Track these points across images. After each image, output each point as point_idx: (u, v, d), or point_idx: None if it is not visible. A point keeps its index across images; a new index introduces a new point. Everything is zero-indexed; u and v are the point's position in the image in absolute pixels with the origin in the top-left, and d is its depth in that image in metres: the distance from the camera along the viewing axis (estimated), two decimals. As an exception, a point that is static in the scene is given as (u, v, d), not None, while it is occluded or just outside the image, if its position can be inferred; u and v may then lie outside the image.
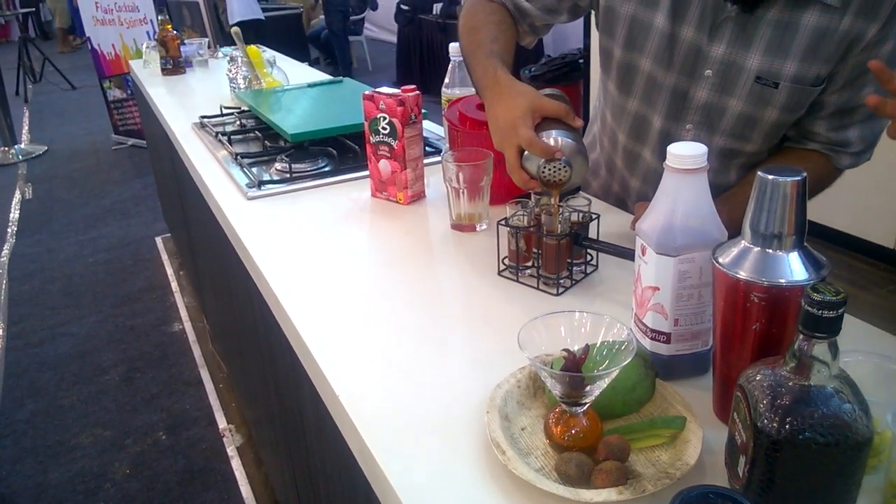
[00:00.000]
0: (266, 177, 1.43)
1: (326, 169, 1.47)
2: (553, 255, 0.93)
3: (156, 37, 2.66)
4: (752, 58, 0.98)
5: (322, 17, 7.65)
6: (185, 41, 2.81)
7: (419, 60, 6.67)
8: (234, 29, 2.06)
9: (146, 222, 3.93)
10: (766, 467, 0.52)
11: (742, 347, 0.63)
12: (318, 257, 1.09)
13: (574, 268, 0.96)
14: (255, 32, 5.05)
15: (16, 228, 4.01)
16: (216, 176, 1.49)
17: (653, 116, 1.10)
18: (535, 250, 0.96)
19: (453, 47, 1.33)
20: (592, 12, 1.15)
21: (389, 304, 0.94)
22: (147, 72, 2.77)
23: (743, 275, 0.61)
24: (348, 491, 0.91)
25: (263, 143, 1.64)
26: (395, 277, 1.02)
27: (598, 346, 0.66)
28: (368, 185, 1.32)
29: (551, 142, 0.92)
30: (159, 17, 2.80)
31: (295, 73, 2.41)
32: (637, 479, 0.59)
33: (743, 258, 0.62)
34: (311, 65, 4.49)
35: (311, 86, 2.02)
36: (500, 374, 0.73)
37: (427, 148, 1.44)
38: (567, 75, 4.44)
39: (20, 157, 5.31)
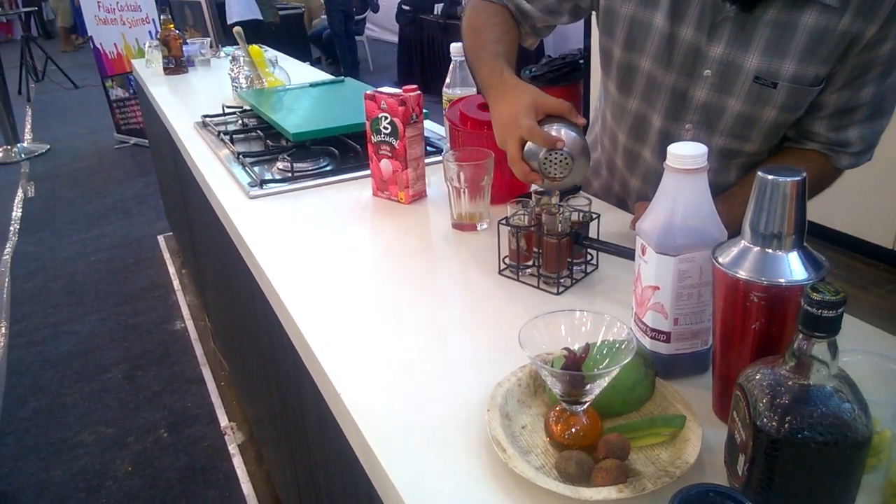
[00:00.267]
0: (268, 176, 1.44)
1: (328, 168, 1.47)
2: (553, 254, 0.93)
3: (158, 36, 2.67)
4: (751, 58, 0.98)
5: (323, 17, 7.66)
6: (188, 40, 2.81)
7: (420, 60, 6.67)
8: (237, 29, 2.07)
9: (148, 221, 3.94)
10: (765, 466, 0.52)
11: (742, 347, 0.64)
12: (319, 256, 1.10)
13: (574, 267, 0.96)
14: (254, 32, 5.06)
15: (18, 227, 4.02)
16: (218, 175, 1.49)
17: (652, 116, 1.11)
18: (535, 249, 0.96)
19: (454, 47, 1.34)
20: (594, 13, 1.15)
21: (391, 302, 0.95)
22: (149, 71, 2.77)
23: (742, 274, 0.61)
24: (349, 488, 0.92)
25: (265, 143, 1.64)
26: (397, 276, 1.02)
27: (598, 344, 0.67)
28: (370, 185, 1.32)
29: (553, 133, 0.93)
30: (161, 17, 2.80)
31: (297, 72, 2.41)
32: (637, 478, 0.60)
33: (743, 258, 0.62)
34: (312, 64, 4.49)
35: (312, 85, 2.03)
36: (501, 372, 0.74)
37: (428, 147, 1.44)
38: (567, 76, 4.44)
39: (23, 155, 5.32)
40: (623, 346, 0.65)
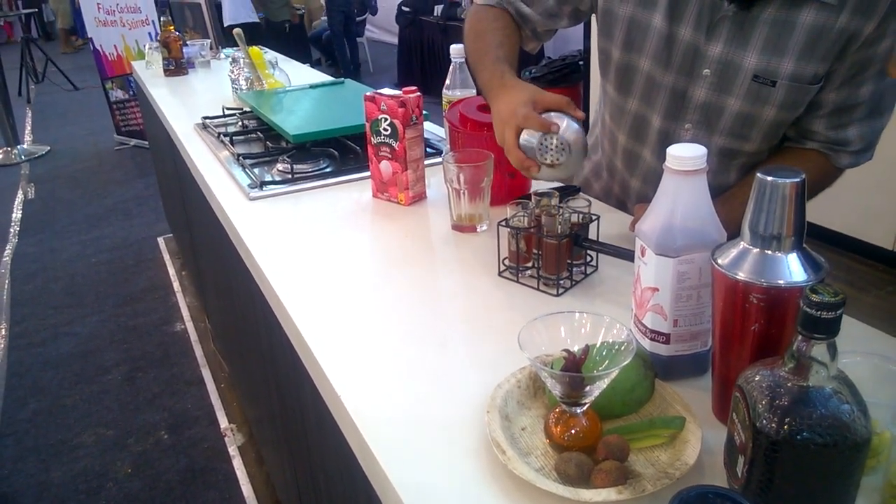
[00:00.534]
0: (268, 177, 1.44)
1: (328, 170, 1.47)
2: (553, 255, 0.93)
3: (158, 38, 2.67)
4: (750, 56, 0.98)
5: (324, 18, 7.66)
6: (188, 42, 2.81)
7: (420, 62, 6.67)
8: (237, 31, 2.07)
9: (148, 222, 3.94)
10: (764, 467, 0.53)
11: (741, 348, 0.64)
12: (319, 258, 1.10)
13: (574, 269, 0.96)
14: (249, 35, 5.08)
15: (18, 228, 4.02)
16: (218, 176, 1.49)
17: (652, 116, 1.11)
18: (535, 251, 0.96)
19: (454, 49, 1.34)
20: (594, 16, 1.15)
21: (390, 304, 0.95)
22: (149, 72, 2.77)
23: (742, 276, 0.61)
24: (349, 490, 0.92)
25: (265, 144, 1.64)
26: (396, 278, 1.02)
27: (597, 346, 0.67)
28: (370, 186, 1.32)
29: (551, 119, 0.95)
30: (161, 19, 2.80)
31: (296, 74, 2.41)
32: (636, 479, 0.60)
33: (742, 259, 0.62)
34: (312, 66, 4.50)
35: (312, 87, 2.03)
36: (501, 374, 0.74)
37: (428, 149, 1.44)
38: (567, 77, 4.45)
39: (23, 157, 5.32)
40: (622, 348, 0.65)
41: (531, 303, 0.92)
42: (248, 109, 1.91)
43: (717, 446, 0.62)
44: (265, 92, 2.01)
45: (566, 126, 0.95)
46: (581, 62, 4.40)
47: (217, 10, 4.84)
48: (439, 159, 1.41)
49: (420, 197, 1.29)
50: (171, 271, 3.34)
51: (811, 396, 0.51)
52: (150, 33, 4.70)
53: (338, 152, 1.53)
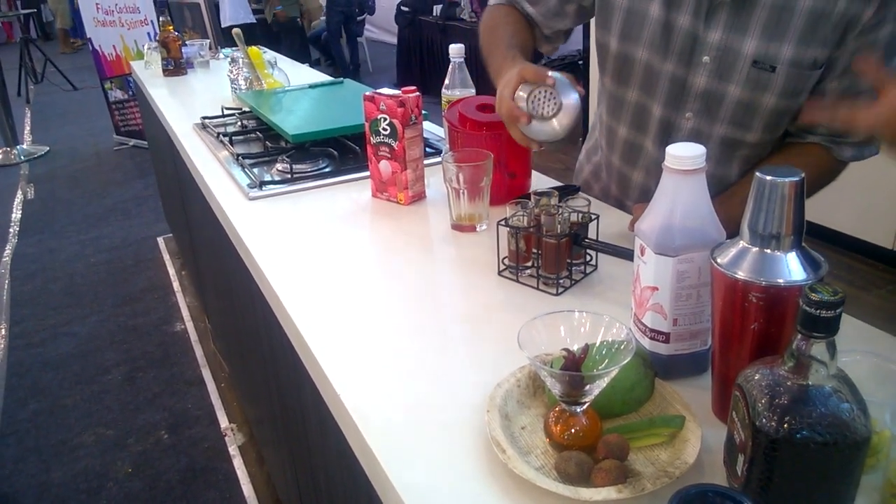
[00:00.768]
0: (267, 177, 1.44)
1: (327, 170, 1.47)
2: (553, 255, 0.93)
3: (157, 38, 2.67)
4: (749, 42, 0.99)
5: (323, 18, 7.66)
6: (187, 42, 2.81)
7: (419, 62, 6.67)
8: (236, 30, 2.07)
9: (148, 222, 3.94)
10: (764, 466, 0.53)
11: (741, 347, 0.64)
12: (318, 257, 1.10)
13: (573, 268, 0.96)
14: (246, 36, 5.09)
15: (18, 228, 4.02)
16: (217, 176, 1.49)
17: (652, 105, 1.11)
18: (534, 250, 0.96)
19: (453, 48, 1.34)
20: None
21: (390, 303, 0.95)
22: (148, 73, 2.77)
23: (741, 275, 0.61)
24: (349, 489, 0.92)
25: (264, 144, 1.64)
26: (396, 277, 1.02)
27: (597, 345, 0.67)
28: (369, 186, 1.32)
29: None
30: (160, 19, 2.80)
31: (296, 74, 2.41)
32: (636, 478, 0.60)
33: (741, 258, 0.62)
34: (311, 66, 4.49)
35: (311, 87, 2.03)
36: (500, 373, 0.74)
37: (427, 149, 1.44)
38: (567, 76, 4.44)
39: (22, 157, 5.32)
40: (622, 347, 0.65)
41: (531, 302, 0.92)
42: (247, 109, 1.91)
43: (717, 445, 0.62)
44: (264, 92, 2.01)
45: (561, 82, 0.98)
46: (580, 62, 4.40)
47: (216, 10, 4.85)
48: (438, 159, 1.41)
49: (419, 196, 1.29)
50: (171, 271, 3.34)
51: (811, 395, 0.51)
52: (148, 33, 4.70)
53: (337, 152, 1.53)
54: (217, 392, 2.42)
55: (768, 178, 0.59)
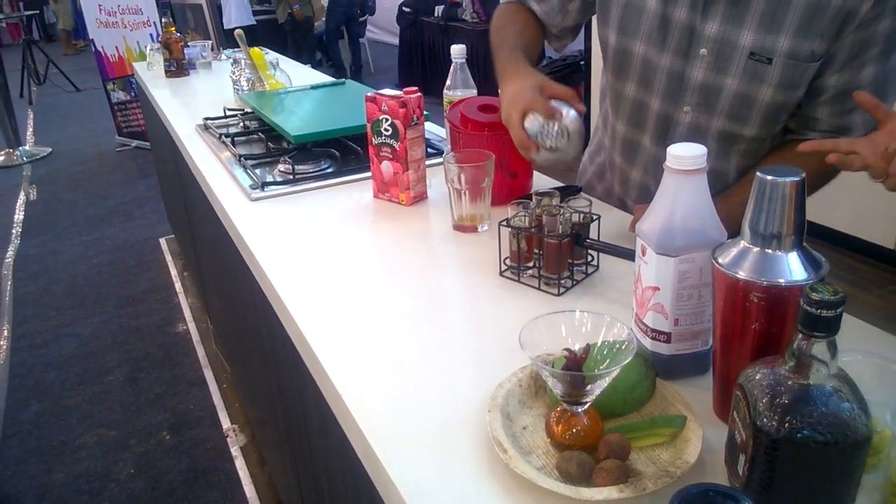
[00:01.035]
0: (269, 178, 1.44)
1: (329, 170, 1.47)
2: (554, 255, 0.93)
3: (159, 39, 2.68)
4: (746, 34, 0.99)
5: (323, 19, 7.67)
6: (189, 43, 2.82)
7: (421, 62, 6.68)
8: (238, 31, 2.07)
9: (150, 223, 3.95)
10: (765, 466, 0.53)
11: (742, 347, 0.64)
12: (320, 258, 1.10)
13: (575, 268, 0.96)
14: (250, 36, 5.11)
15: (20, 230, 4.03)
16: (220, 177, 1.50)
17: (650, 100, 1.11)
18: (536, 251, 0.96)
19: (455, 49, 1.34)
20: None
21: (392, 304, 0.95)
22: (151, 74, 2.78)
23: (742, 275, 0.61)
24: (351, 489, 0.92)
25: (266, 145, 1.64)
26: (398, 278, 1.02)
27: (598, 345, 0.67)
28: (371, 187, 1.33)
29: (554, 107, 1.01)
30: (163, 20, 2.81)
31: (297, 75, 2.42)
32: (637, 478, 0.60)
33: (742, 258, 0.62)
34: (313, 67, 4.50)
35: (313, 88, 2.03)
36: (502, 373, 0.74)
37: (429, 149, 1.44)
38: (568, 77, 4.45)
39: (24, 158, 5.33)
40: (623, 347, 0.65)
41: (532, 302, 0.93)
42: (249, 110, 1.91)
43: (719, 445, 0.62)
44: (266, 93, 2.02)
45: (568, 114, 1.01)
46: (582, 62, 4.40)
47: (218, 11, 4.87)
48: (440, 159, 1.41)
49: (421, 197, 1.29)
50: (173, 272, 3.35)
51: (812, 395, 0.51)
52: (151, 34, 4.71)
53: (339, 153, 1.53)
54: (219, 393, 2.42)
55: (769, 178, 0.59)
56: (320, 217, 1.26)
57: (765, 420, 0.52)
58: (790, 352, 0.53)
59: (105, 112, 5.49)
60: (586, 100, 4.32)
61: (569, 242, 0.93)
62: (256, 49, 2.14)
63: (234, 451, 2.14)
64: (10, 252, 3.71)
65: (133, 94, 5.08)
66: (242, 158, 1.54)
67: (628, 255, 0.92)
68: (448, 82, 1.37)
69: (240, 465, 2.08)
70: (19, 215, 4.26)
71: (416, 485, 0.63)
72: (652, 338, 0.73)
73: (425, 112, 1.27)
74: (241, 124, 1.86)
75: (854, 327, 0.82)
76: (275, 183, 1.41)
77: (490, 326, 0.88)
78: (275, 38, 6.59)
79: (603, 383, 0.63)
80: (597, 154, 1.35)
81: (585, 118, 1.01)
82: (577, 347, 0.66)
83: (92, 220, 4.09)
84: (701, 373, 0.75)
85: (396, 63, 7.18)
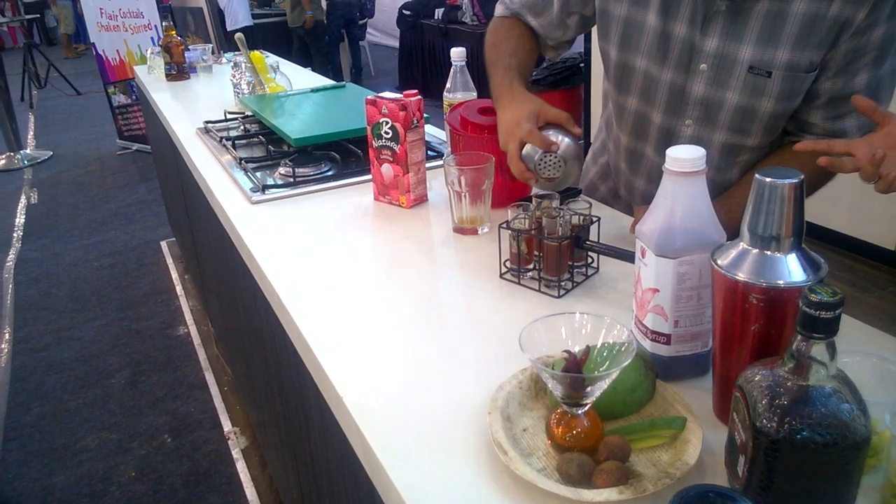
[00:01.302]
0: (270, 181, 1.44)
1: (329, 173, 1.48)
2: (554, 257, 0.93)
3: (160, 42, 2.68)
4: (745, 49, 0.99)
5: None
6: (190, 47, 2.82)
7: (421, 65, 6.68)
8: (238, 35, 2.08)
9: (151, 227, 3.95)
10: (765, 467, 0.53)
11: (741, 348, 0.64)
12: (321, 261, 1.10)
13: (575, 270, 0.96)
14: (249, 40, 5.12)
15: (21, 233, 4.03)
16: (220, 180, 1.50)
17: (652, 113, 1.12)
18: (536, 253, 0.96)
19: (455, 52, 1.34)
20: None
21: (392, 306, 0.95)
22: (151, 77, 2.79)
23: (741, 276, 0.61)
24: (352, 492, 0.92)
25: (267, 148, 1.65)
26: (398, 280, 1.03)
27: (598, 347, 0.67)
28: (371, 189, 1.33)
29: (551, 137, 1.01)
30: (164, 24, 2.82)
31: (298, 78, 2.42)
32: (637, 479, 0.60)
33: (741, 260, 0.62)
34: (313, 70, 4.51)
35: (314, 91, 2.03)
36: (502, 375, 0.74)
37: (429, 152, 1.45)
38: (568, 80, 4.44)
39: (25, 162, 5.34)
40: (623, 349, 0.65)
41: (532, 304, 0.93)
42: (249, 113, 1.92)
43: (718, 446, 0.63)
44: (267, 96, 2.02)
45: (566, 146, 1.02)
46: (582, 64, 4.40)
47: (219, 15, 4.88)
48: (440, 162, 1.41)
49: (421, 200, 1.29)
50: (174, 275, 3.35)
51: (811, 396, 0.51)
52: (152, 38, 4.72)
53: (339, 156, 1.53)
54: (220, 396, 2.42)
55: (768, 179, 0.59)
56: (321, 220, 1.27)
57: (764, 421, 0.52)
58: (789, 353, 0.53)
59: (106, 115, 5.50)
60: (586, 101, 4.32)
61: (569, 244, 0.93)
62: (257, 52, 2.15)
63: (236, 453, 2.14)
64: (12, 255, 3.72)
65: (134, 97, 5.09)
66: (243, 161, 1.55)
67: (628, 256, 0.92)
68: (448, 85, 1.37)
69: (241, 467, 2.08)
70: (20, 219, 4.26)
71: (417, 487, 0.63)
72: (652, 339, 0.74)
73: (425, 115, 1.28)
74: (242, 127, 1.87)
75: (853, 328, 0.82)
76: (275, 186, 1.41)
77: (490, 329, 0.88)
78: (277, 42, 6.59)
79: (603, 385, 0.63)
80: (600, 154, 1.35)
81: (586, 119, 1.01)
82: (577, 349, 0.66)
83: (93, 223, 4.10)
84: (701, 374, 0.75)
85: (397, 66, 7.19)
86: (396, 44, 7.34)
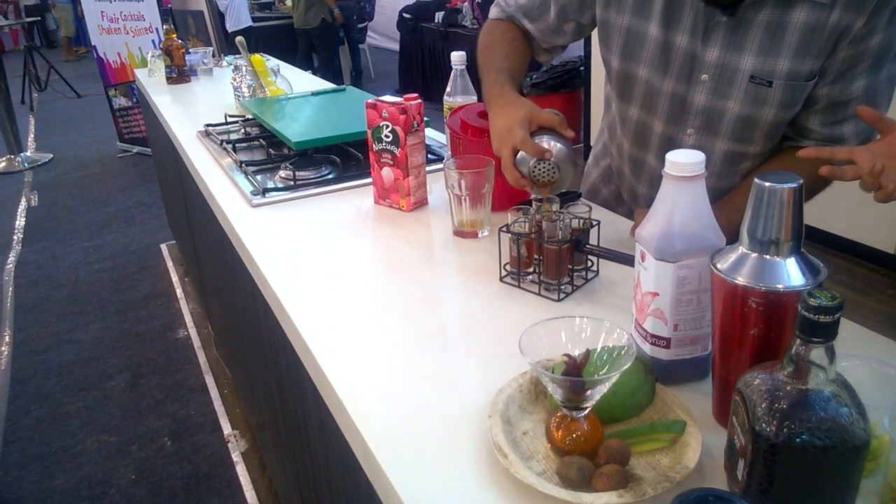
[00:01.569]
0: (270, 184, 1.45)
1: (330, 176, 1.48)
2: (554, 261, 0.93)
3: (161, 45, 2.69)
4: (746, 59, 1.00)
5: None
6: (190, 50, 2.83)
7: (421, 69, 6.69)
8: (239, 38, 2.08)
9: (151, 229, 3.95)
10: (764, 471, 0.53)
11: (740, 352, 0.64)
12: (321, 264, 1.10)
13: (575, 274, 0.97)
14: (249, 43, 5.13)
15: (21, 236, 4.03)
16: (221, 183, 1.50)
17: (654, 122, 1.12)
18: (536, 256, 0.97)
19: (455, 56, 1.35)
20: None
21: (392, 309, 0.95)
22: (152, 80, 2.79)
23: (741, 280, 0.62)
24: (352, 495, 0.92)
25: (267, 151, 1.65)
26: (398, 284, 1.03)
27: (598, 351, 0.67)
28: (371, 193, 1.33)
29: (543, 144, 1.00)
30: (164, 27, 2.82)
31: (298, 81, 2.42)
32: (637, 483, 0.60)
33: (741, 264, 0.62)
34: (313, 73, 4.52)
35: (314, 94, 2.04)
36: (502, 378, 0.74)
37: (429, 155, 1.45)
38: (567, 83, 4.45)
39: (26, 164, 5.34)
40: (623, 352, 0.66)
41: (532, 308, 0.93)
42: (250, 117, 1.92)
43: (718, 450, 0.63)
44: (267, 99, 2.03)
45: (559, 152, 1.01)
46: (581, 68, 4.41)
47: (220, 18, 4.90)
48: (440, 165, 1.41)
49: (421, 203, 1.30)
50: (174, 278, 3.35)
51: (810, 400, 0.51)
52: (153, 41, 4.72)
53: (340, 159, 1.53)
54: (220, 398, 2.42)
55: (767, 184, 0.60)
56: (321, 223, 1.27)
57: (763, 425, 0.52)
58: (789, 357, 0.53)
59: (106, 118, 5.50)
60: (586, 105, 4.33)
61: (569, 248, 0.94)
62: (257, 55, 2.15)
63: (235, 456, 2.14)
64: (12, 258, 3.72)
65: (134, 100, 5.09)
66: (243, 165, 1.55)
67: (628, 260, 0.92)
68: (448, 89, 1.37)
69: (241, 470, 2.08)
70: (20, 221, 4.26)
71: (417, 490, 0.64)
72: (651, 343, 0.74)
73: (426, 118, 1.28)
74: (242, 130, 1.87)
75: (853, 332, 0.82)
76: (276, 189, 1.42)
77: (490, 332, 0.88)
78: (277, 45, 6.59)
79: (603, 389, 0.63)
80: (602, 157, 1.36)
81: (586, 122, 1.01)
82: (577, 353, 0.66)
83: (93, 226, 4.10)
84: (700, 378, 0.75)
85: (397, 69, 7.19)
86: (396, 47, 7.35)
